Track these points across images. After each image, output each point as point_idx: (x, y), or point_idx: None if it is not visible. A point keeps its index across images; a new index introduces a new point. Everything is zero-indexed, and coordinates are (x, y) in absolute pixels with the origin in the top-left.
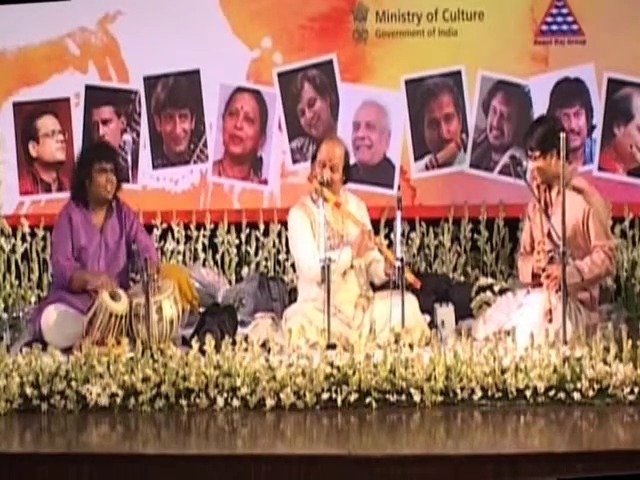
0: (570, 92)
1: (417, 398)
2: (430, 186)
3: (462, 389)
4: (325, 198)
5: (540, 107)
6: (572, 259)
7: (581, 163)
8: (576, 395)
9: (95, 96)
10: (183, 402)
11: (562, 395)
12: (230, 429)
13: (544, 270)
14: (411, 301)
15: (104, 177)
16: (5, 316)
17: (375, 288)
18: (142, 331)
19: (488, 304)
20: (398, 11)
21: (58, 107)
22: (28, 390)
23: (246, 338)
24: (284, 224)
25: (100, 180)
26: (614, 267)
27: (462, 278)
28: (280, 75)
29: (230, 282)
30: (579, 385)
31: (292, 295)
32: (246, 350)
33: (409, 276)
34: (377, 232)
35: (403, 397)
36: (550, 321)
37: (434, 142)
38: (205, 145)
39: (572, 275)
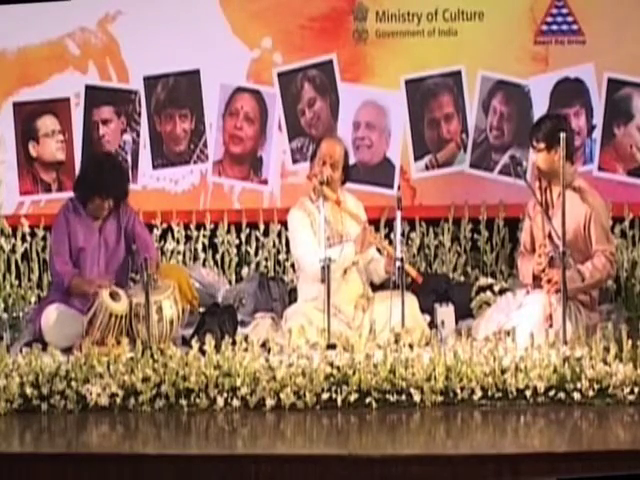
0: (570, 92)
1: (417, 398)
2: (430, 186)
3: (462, 389)
4: (325, 196)
5: (540, 107)
6: (573, 262)
7: (581, 163)
8: (576, 395)
9: (95, 96)
10: (183, 402)
11: (562, 395)
12: (230, 429)
13: (545, 272)
14: (411, 301)
15: (101, 204)
16: (5, 316)
17: (375, 288)
18: (142, 331)
19: (488, 304)
20: (398, 11)
21: (58, 107)
22: (28, 390)
23: (246, 338)
24: (284, 224)
25: (97, 204)
26: (615, 271)
27: (462, 278)
28: (280, 75)
29: (230, 282)
30: (579, 385)
31: (292, 295)
32: (246, 350)
33: (411, 270)
34: (377, 232)
35: (403, 397)
36: (551, 326)
37: (434, 142)
38: (205, 145)
39: (573, 279)
